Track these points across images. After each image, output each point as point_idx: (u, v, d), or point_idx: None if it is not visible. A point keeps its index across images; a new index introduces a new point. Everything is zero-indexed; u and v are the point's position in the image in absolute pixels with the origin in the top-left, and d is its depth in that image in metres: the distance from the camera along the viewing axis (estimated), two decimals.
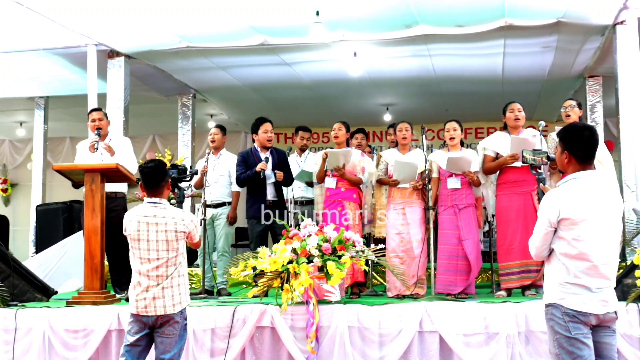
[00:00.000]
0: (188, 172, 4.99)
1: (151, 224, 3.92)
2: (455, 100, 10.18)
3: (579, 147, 3.16)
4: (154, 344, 4.00)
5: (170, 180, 4.44)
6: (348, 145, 6.40)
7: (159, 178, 4.01)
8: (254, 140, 6.61)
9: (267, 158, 6.33)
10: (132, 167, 6.11)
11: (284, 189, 6.67)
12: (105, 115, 6.30)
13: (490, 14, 6.69)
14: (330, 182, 6.05)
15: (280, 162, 6.47)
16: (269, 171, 6.35)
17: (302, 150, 7.53)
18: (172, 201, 7.96)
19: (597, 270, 3.07)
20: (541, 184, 5.38)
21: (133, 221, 3.96)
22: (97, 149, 5.88)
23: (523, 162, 5.52)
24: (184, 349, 4.10)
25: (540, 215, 3.23)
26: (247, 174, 6.36)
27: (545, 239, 3.21)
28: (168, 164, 8.27)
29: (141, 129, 11.49)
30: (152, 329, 3.95)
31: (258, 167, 6.25)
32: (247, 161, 6.45)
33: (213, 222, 6.59)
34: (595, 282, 3.07)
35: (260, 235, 6.35)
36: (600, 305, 3.07)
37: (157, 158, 4.19)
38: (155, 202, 3.99)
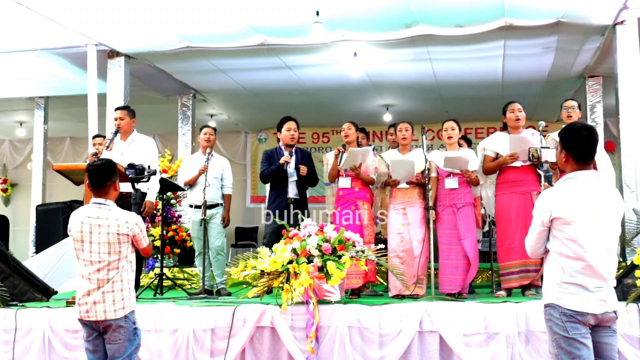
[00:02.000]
0: (146, 172, 4.77)
1: (94, 225, 3.78)
2: (456, 103, 10.20)
3: (575, 146, 3.17)
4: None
5: (121, 180, 4.25)
6: (358, 143, 6.40)
7: (104, 178, 3.85)
8: (279, 140, 6.63)
9: (291, 152, 6.35)
10: (153, 167, 6.12)
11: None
12: (130, 114, 6.23)
13: (490, 13, 6.69)
14: (344, 181, 6.03)
15: (304, 161, 6.44)
16: (291, 169, 6.36)
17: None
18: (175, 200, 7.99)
19: (593, 270, 3.06)
20: (545, 183, 5.40)
21: (77, 222, 3.82)
22: (107, 147, 5.91)
23: (530, 160, 5.52)
24: (137, 353, 3.92)
25: (534, 214, 3.25)
26: (271, 169, 6.39)
27: (539, 238, 3.23)
28: (168, 164, 8.33)
29: (141, 129, 11.39)
30: (102, 333, 3.85)
31: (282, 160, 6.28)
32: (270, 159, 6.46)
33: (207, 223, 6.59)
34: (592, 282, 3.07)
35: (274, 231, 6.33)
36: (599, 305, 3.06)
37: (106, 157, 4.01)
38: (100, 203, 3.85)
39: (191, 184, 6.71)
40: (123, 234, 3.80)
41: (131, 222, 3.85)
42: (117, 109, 6.34)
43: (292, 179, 6.37)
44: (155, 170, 4.98)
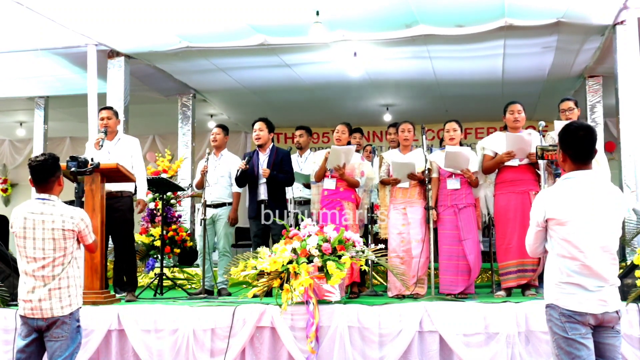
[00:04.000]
0: (89, 165, 4.67)
1: (37, 221, 3.71)
2: (456, 102, 10.20)
3: (572, 146, 3.16)
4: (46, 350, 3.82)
5: (66, 174, 4.14)
6: (348, 143, 6.39)
7: (47, 173, 3.77)
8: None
9: (249, 158, 6.37)
10: (139, 167, 6.14)
11: (287, 189, 6.63)
12: (115, 114, 6.25)
13: (490, 13, 6.69)
14: (329, 183, 6.04)
15: (277, 162, 6.43)
16: (261, 170, 6.37)
17: (297, 148, 7.51)
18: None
19: (590, 270, 3.05)
20: (550, 181, 5.41)
21: (19, 218, 3.75)
22: (101, 146, 5.91)
23: (536, 157, 5.52)
24: (78, 352, 3.86)
25: (530, 214, 3.26)
26: (236, 174, 6.43)
27: (536, 238, 3.24)
28: (168, 164, 8.33)
29: (141, 129, 11.46)
30: (41, 332, 3.77)
31: (239, 167, 6.34)
32: (247, 162, 6.46)
33: (214, 223, 6.61)
34: (591, 282, 3.05)
35: (257, 235, 6.35)
36: (598, 305, 3.05)
37: (50, 152, 3.99)
38: (43, 199, 3.78)
39: (199, 187, 6.70)
40: (68, 229, 3.75)
41: (76, 217, 3.80)
42: (102, 109, 6.31)
43: (262, 180, 6.37)
44: (99, 163, 4.88)
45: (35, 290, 3.72)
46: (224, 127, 6.90)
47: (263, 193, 6.38)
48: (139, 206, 6.13)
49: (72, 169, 4.61)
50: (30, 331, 3.78)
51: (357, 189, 6.14)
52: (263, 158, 6.46)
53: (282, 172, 6.40)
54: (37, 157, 3.83)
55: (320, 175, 6.14)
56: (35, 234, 3.72)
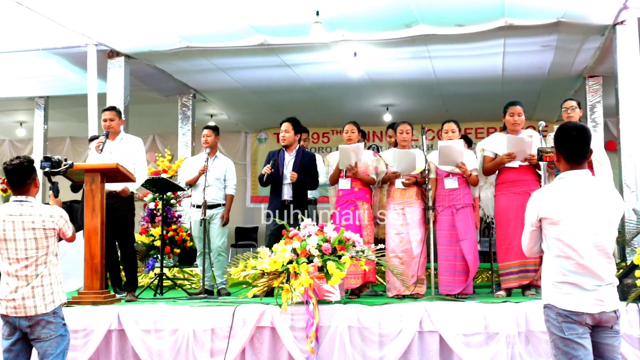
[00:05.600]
0: (63, 165, 4.69)
1: (17, 222, 3.78)
2: (456, 101, 10.20)
3: (565, 146, 3.18)
4: (35, 352, 3.84)
5: (41, 175, 4.19)
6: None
7: (24, 176, 3.84)
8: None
9: (274, 162, 6.33)
10: (141, 167, 6.12)
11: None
12: (118, 114, 6.22)
13: (490, 13, 6.70)
14: (344, 183, 6.03)
15: (304, 164, 6.40)
16: (288, 171, 6.35)
17: None
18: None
19: (586, 269, 3.05)
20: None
21: None
22: (102, 150, 5.91)
23: (538, 159, 5.52)
24: (68, 350, 3.89)
25: (525, 214, 3.28)
26: (259, 176, 6.43)
27: (531, 237, 3.25)
28: (168, 164, 8.33)
29: (141, 129, 11.43)
30: (25, 333, 3.80)
31: (262, 171, 6.30)
32: (270, 160, 6.46)
33: (208, 223, 6.59)
34: (588, 281, 3.05)
35: (272, 234, 6.32)
36: (595, 305, 3.04)
37: (25, 155, 4.03)
38: (21, 201, 3.85)
39: (192, 184, 6.72)
40: (49, 228, 3.83)
41: (56, 215, 3.88)
42: (105, 110, 6.28)
43: (287, 180, 6.35)
44: (72, 163, 4.88)
45: (19, 289, 3.76)
46: (214, 128, 6.83)
47: (287, 193, 6.35)
48: (122, 193, 6.01)
49: (46, 169, 4.64)
50: (12, 330, 3.81)
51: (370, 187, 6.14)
52: (289, 159, 6.42)
53: (307, 175, 6.38)
54: (12, 160, 3.88)
55: (335, 178, 6.11)
56: (16, 235, 3.77)
